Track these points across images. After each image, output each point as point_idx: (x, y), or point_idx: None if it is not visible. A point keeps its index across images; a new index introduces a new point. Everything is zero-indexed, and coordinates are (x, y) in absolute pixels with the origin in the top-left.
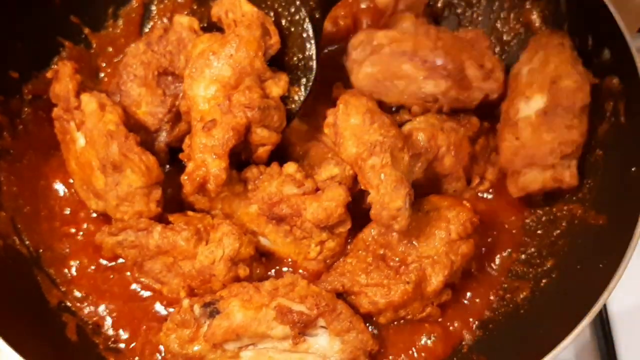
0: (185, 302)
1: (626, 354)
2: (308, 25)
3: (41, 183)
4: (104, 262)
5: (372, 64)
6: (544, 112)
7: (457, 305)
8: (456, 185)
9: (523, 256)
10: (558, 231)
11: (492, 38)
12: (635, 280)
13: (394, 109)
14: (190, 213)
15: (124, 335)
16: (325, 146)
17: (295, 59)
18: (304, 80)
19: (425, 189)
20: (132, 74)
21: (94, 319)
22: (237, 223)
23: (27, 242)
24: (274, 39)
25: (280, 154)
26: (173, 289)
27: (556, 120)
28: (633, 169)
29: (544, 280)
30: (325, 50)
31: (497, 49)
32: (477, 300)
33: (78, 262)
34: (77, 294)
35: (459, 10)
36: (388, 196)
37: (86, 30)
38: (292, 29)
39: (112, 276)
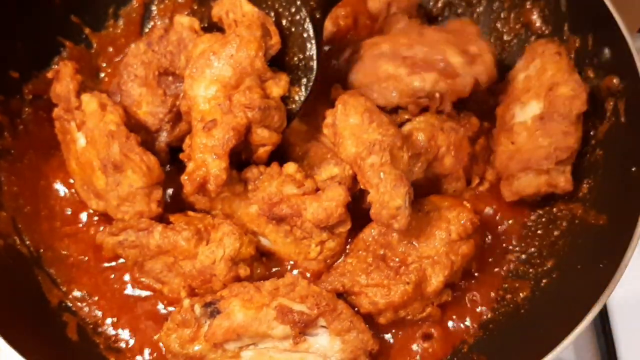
0: (186, 302)
1: (626, 354)
2: (309, 26)
3: (42, 183)
4: (104, 262)
5: (356, 71)
6: (540, 117)
7: (457, 306)
8: (456, 185)
9: (523, 256)
10: (558, 231)
11: (492, 38)
12: (636, 280)
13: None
14: (190, 213)
15: (124, 335)
16: (324, 146)
17: (295, 59)
18: (304, 81)
19: (425, 189)
20: (133, 74)
21: (95, 318)
22: (237, 223)
23: (27, 242)
24: (275, 39)
25: (280, 154)
26: (174, 288)
27: (552, 126)
28: (633, 169)
29: (544, 280)
30: (326, 49)
31: (497, 49)
32: (478, 300)
33: (78, 262)
34: (78, 293)
35: (459, 11)
36: (388, 195)
37: (87, 30)
38: (293, 29)
39: (112, 276)
